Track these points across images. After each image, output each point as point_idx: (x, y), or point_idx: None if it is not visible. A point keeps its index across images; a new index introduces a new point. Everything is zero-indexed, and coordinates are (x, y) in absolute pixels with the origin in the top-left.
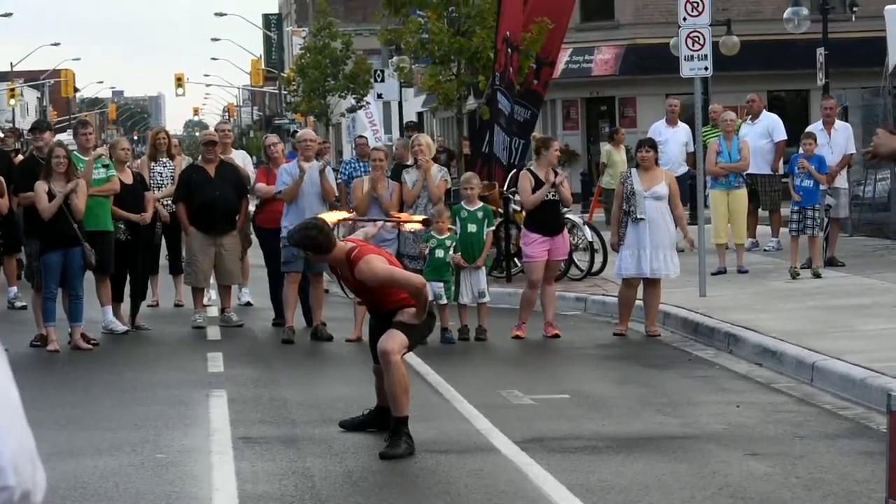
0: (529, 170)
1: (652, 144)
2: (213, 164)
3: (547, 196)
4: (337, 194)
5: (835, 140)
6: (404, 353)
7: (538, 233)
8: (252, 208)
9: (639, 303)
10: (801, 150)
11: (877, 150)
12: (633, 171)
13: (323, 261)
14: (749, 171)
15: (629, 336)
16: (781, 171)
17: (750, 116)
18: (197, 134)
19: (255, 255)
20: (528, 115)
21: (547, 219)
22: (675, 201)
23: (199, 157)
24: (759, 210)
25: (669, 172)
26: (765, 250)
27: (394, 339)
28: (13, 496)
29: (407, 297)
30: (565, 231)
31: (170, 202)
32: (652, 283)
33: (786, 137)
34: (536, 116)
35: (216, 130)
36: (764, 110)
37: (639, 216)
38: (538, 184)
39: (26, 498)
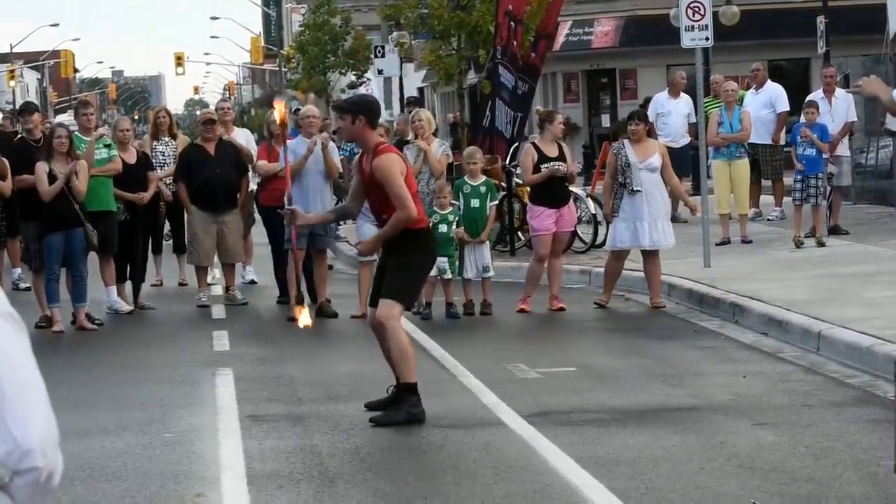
0: (533, 143)
1: (642, 117)
2: (212, 143)
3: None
4: (341, 170)
5: (836, 108)
6: (403, 310)
7: (544, 205)
8: (254, 186)
9: (640, 275)
10: (803, 119)
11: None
12: (626, 142)
13: (357, 134)
14: (751, 141)
15: (634, 308)
16: (784, 142)
17: (754, 86)
18: (198, 113)
19: (259, 233)
20: (527, 89)
21: (552, 191)
22: (668, 172)
23: (199, 137)
24: (762, 180)
25: (662, 144)
26: (768, 220)
27: (384, 308)
28: (40, 477)
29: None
30: (571, 202)
31: (171, 181)
32: (651, 255)
33: (788, 108)
34: (534, 90)
35: (216, 109)
36: (769, 80)
37: (635, 188)
38: (541, 158)
39: (50, 479)
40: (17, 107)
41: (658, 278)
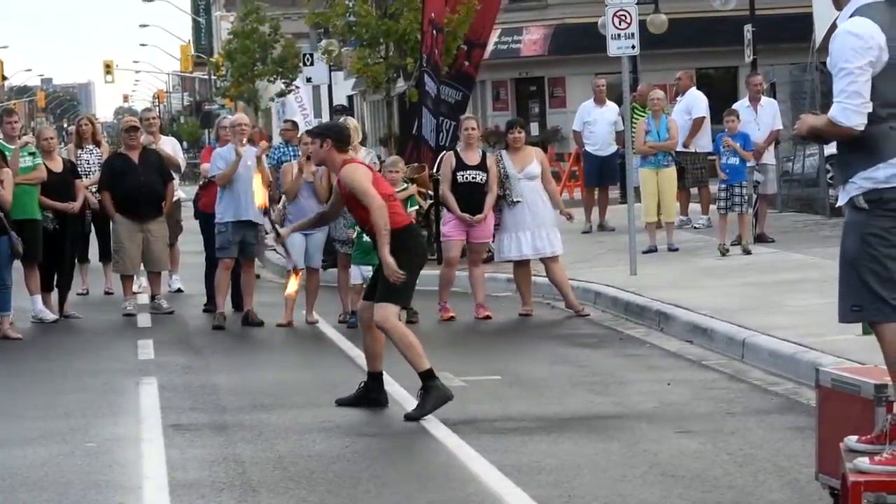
0: (455, 151)
1: (523, 125)
2: (136, 151)
3: (467, 179)
4: (271, 179)
5: (762, 116)
6: (400, 311)
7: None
8: (181, 194)
9: (545, 280)
10: (725, 128)
11: (799, 130)
12: (504, 153)
13: (325, 157)
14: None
15: (560, 316)
16: (709, 149)
17: (679, 93)
18: None
19: (187, 241)
20: (459, 97)
21: (467, 200)
22: (546, 177)
23: (122, 145)
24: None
25: (540, 150)
26: (695, 227)
27: (380, 312)
28: None
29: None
30: (491, 213)
31: (96, 189)
32: (551, 262)
33: (703, 115)
34: (468, 98)
35: (141, 119)
36: (693, 88)
37: (515, 199)
38: (459, 165)
39: None
40: None
41: (564, 282)
